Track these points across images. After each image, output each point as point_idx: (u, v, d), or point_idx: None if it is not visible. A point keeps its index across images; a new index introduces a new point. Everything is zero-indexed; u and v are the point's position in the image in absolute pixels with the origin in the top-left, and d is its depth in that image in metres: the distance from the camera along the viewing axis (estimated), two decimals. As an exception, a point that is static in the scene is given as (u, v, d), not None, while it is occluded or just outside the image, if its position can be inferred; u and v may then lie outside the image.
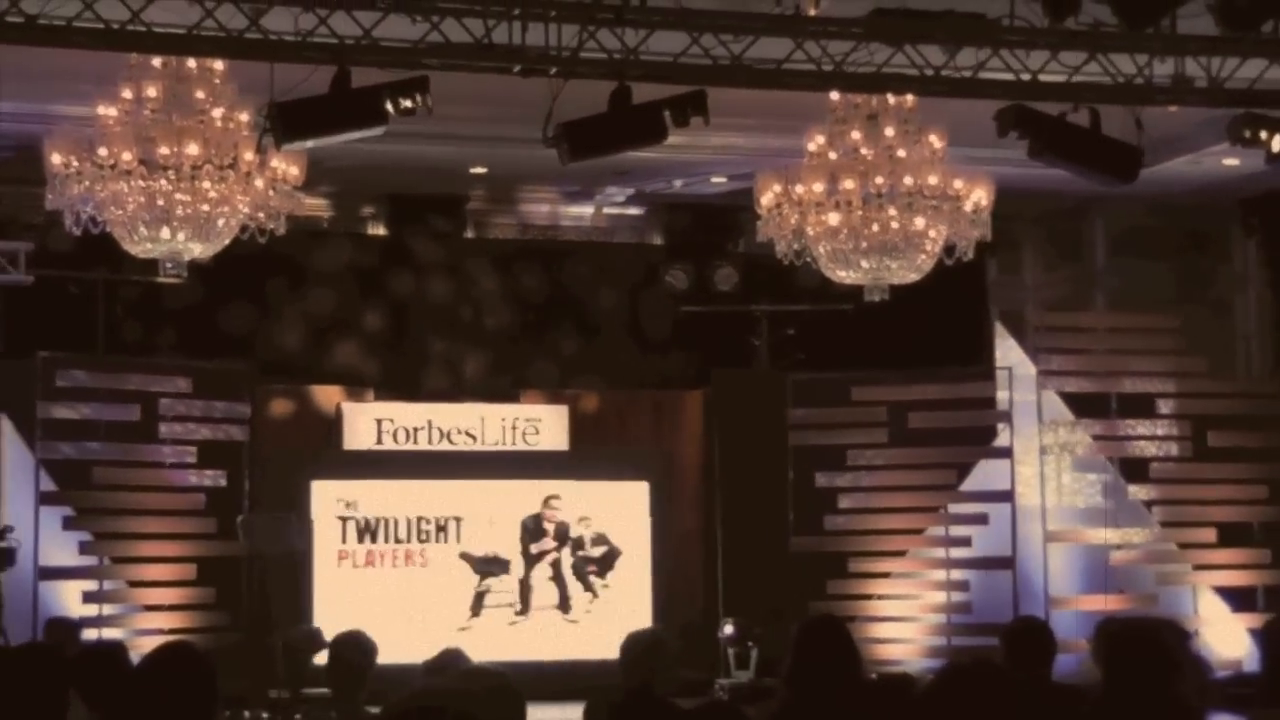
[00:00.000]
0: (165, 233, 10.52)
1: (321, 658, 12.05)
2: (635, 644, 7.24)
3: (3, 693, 4.84)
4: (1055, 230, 14.86)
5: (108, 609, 13.47)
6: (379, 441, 14.67)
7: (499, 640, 13.31)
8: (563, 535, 14.77)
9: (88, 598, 13.29)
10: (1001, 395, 14.64)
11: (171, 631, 13.13)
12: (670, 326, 15.14)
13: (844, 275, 11.66)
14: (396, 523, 14.47)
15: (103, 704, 6.26)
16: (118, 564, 13.74)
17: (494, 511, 14.63)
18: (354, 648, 6.79)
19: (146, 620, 13.52)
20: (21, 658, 5.27)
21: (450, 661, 6.65)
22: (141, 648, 10.34)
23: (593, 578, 14.80)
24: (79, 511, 13.44)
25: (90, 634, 12.96)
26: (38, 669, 4.99)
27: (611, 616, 14.58)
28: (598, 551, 14.83)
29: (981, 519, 14.50)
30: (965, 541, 14.51)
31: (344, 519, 14.36)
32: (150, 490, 13.86)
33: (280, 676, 12.49)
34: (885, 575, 14.72)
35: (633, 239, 15.53)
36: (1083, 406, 14.72)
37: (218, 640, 12.77)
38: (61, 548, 13.33)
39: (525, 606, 14.64)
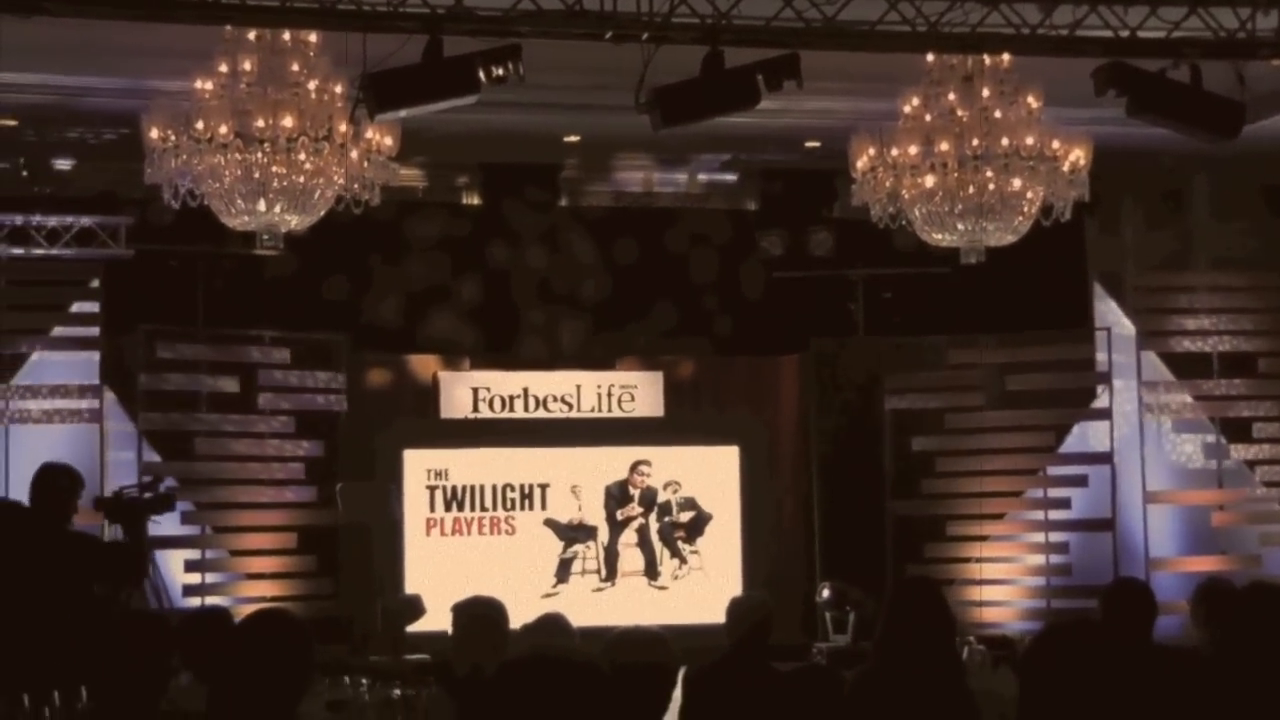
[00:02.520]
0: (262, 205, 10.59)
1: (419, 624, 12.37)
2: (743, 607, 7.35)
3: (112, 657, 4.94)
4: (1155, 189, 14.68)
5: (210, 577, 13.66)
6: (475, 410, 14.77)
7: (585, 607, 13.39)
8: (649, 501, 14.80)
9: (190, 566, 13.48)
10: (1101, 357, 14.53)
11: (273, 599, 13.31)
12: (766, 292, 15.12)
13: (940, 238, 11.58)
14: (483, 490, 14.55)
15: (204, 668, 6.38)
16: (219, 533, 13.92)
17: (582, 478, 14.69)
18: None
19: (249, 588, 13.69)
20: (129, 623, 5.37)
21: (551, 625, 6.70)
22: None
23: (681, 543, 14.82)
24: (181, 482, 13.58)
25: (194, 601, 13.22)
26: (144, 633, 5.08)
27: (701, 582, 14.65)
28: (685, 517, 14.84)
29: (1081, 481, 14.41)
30: (1065, 503, 14.43)
31: (432, 488, 14.47)
32: (250, 460, 14.04)
33: (380, 643, 12.66)
34: (984, 538, 14.65)
35: (727, 205, 15.48)
36: (1183, 367, 14.59)
37: (319, 608, 12.95)
38: (164, 517, 13.47)
39: (611, 573, 14.69)
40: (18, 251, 13.44)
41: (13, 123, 12.92)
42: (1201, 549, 14.28)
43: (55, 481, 9.57)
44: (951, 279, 13.12)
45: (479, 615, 6.56)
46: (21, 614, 8.76)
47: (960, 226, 11.38)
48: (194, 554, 13.60)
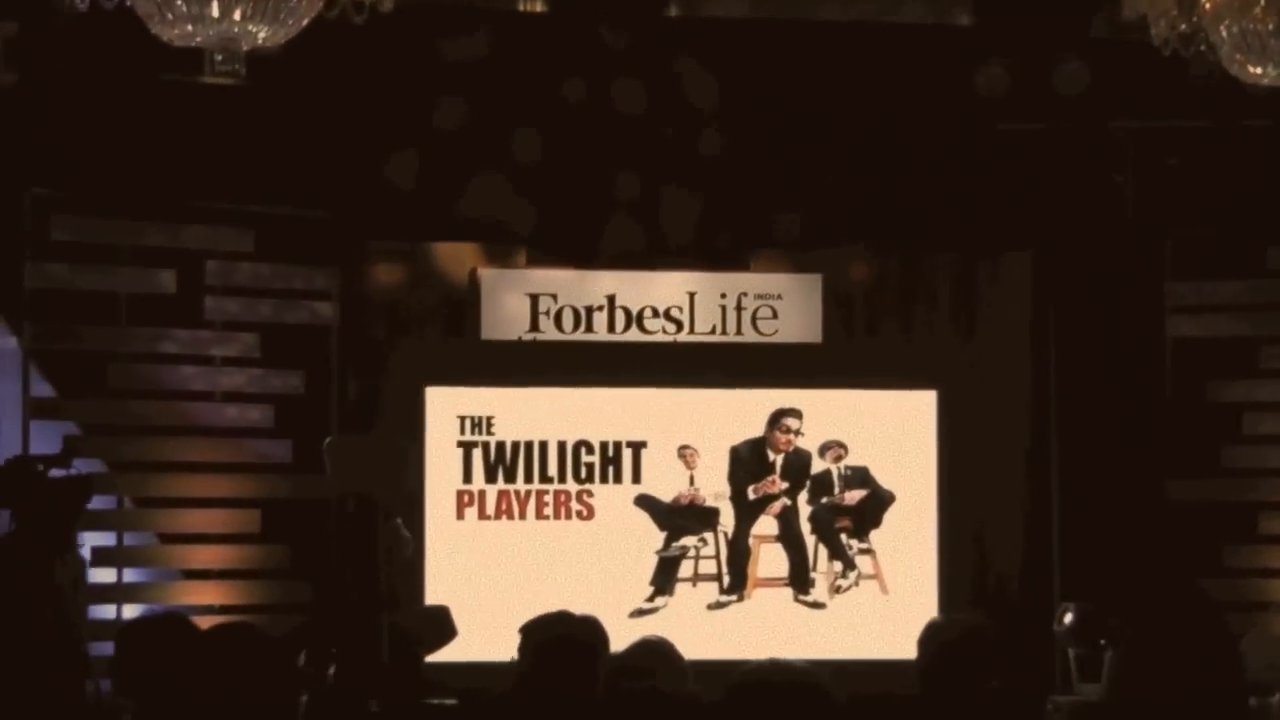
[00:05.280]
0: (214, 9, 10.59)
1: (445, 652, 12.41)
2: (940, 637, 7.32)
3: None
4: None
5: (130, 575, 13.77)
6: (534, 328, 14.81)
7: (697, 630, 13.44)
8: (799, 472, 14.86)
9: (100, 558, 13.55)
10: None
11: (224, 610, 13.40)
12: (983, 154, 14.99)
13: (1258, 73, 11.44)
14: (545, 451, 14.65)
15: (139, 693, 6.46)
16: (144, 509, 14.06)
17: (695, 435, 14.78)
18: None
19: (187, 593, 13.81)
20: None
21: (650, 657, 6.70)
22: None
23: (846, 538, 14.88)
24: (86, 429, 13.69)
25: (107, 611, 13.31)
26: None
27: (874, 597, 14.72)
28: (854, 497, 14.91)
29: None
30: None
31: (467, 445, 14.51)
32: (193, 399, 14.12)
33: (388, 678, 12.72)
34: (1317, 541, 14.61)
35: (928, 18, 15.35)
36: None
37: (292, 624, 13.01)
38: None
39: (739, 580, 14.77)
40: None
41: None
42: None
43: None
44: (1274, 139, 12.94)
45: (565, 639, 6.59)
46: None
47: (1291, 55, 11.24)
48: (106, 539, 13.68)
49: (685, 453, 14.71)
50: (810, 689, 5.58)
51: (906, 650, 7.59)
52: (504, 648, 7.58)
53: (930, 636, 7.52)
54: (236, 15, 10.58)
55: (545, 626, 6.69)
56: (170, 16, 10.66)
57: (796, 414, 14.80)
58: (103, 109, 13.66)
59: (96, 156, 13.67)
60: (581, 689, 6.40)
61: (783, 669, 5.70)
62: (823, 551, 14.82)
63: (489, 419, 14.55)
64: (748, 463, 14.76)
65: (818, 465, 14.81)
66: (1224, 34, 11.23)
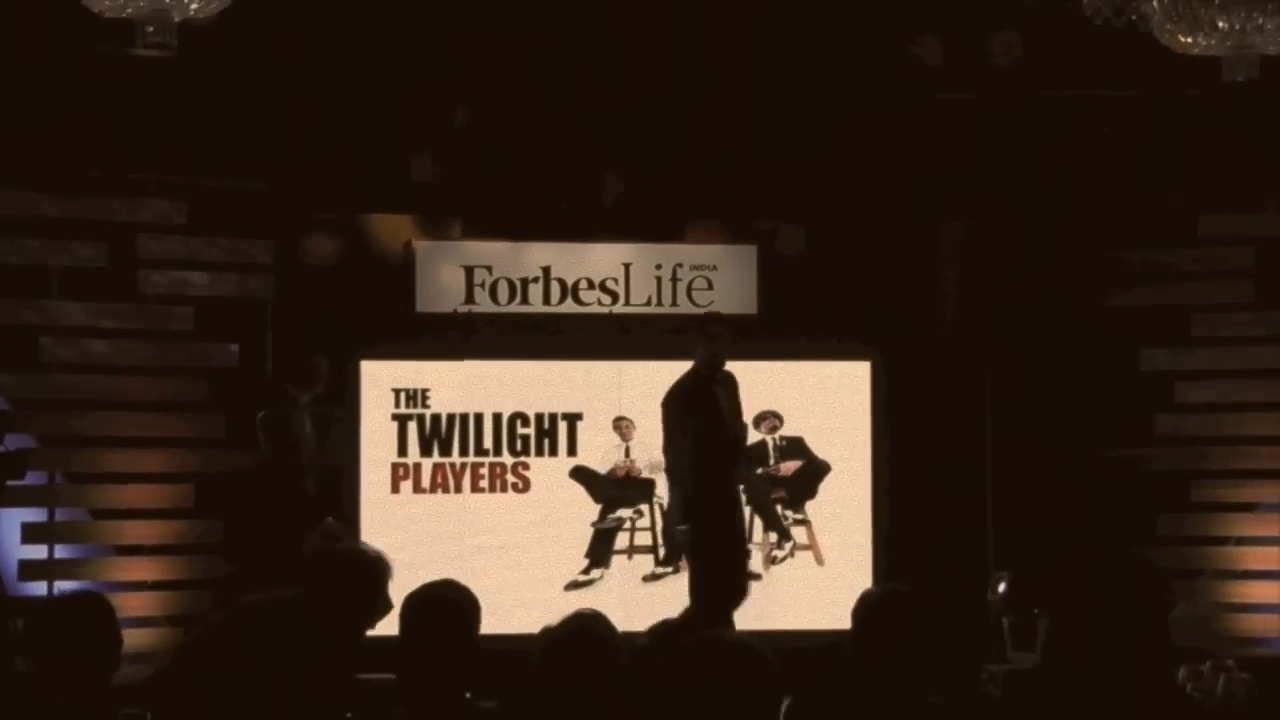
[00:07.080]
0: (147, -21, 10.52)
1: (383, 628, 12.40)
2: (874, 607, 7.33)
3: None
4: None
5: (62, 551, 13.70)
6: (469, 300, 14.79)
7: (633, 602, 13.41)
8: (733, 443, 14.84)
9: (30, 535, 13.50)
10: None
11: (157, 585, 13.37)
12: (917, 123, 14.98)
13: (1189, 42, 11.45)
14: (481, 423, 14.65)
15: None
16: (76, 484, 14.01)
17: (632, 407, 14.77)
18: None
19: (121, 569, 13.76)
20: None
21: (583, 629, 6.68)
22: (121, 607, 10.41)
23: (781, 509, 14.92)
24: (16, 403, 13.61)
25: (38, 587, 13.25)
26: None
27: (808, 568, 14.78)
28: (789, 468, 14.97)
29: (1401, 424, 14.37)
30: (1374, 460, 14.41)
31: (402, 418, 14.51)
32: (126, 373, 14.06)
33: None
34: (1249, 508, 14.68)
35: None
36: None
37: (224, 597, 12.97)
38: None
39: (675, 552, 14.74)
40: None
41: None
42: None
43: None
44: (1206, 106, 12.95)
45: (436, 602, 6.60)
46: None
47: (1223, 24, 11.23)
48: (37, 515, 13.63)
49: (621, 424, 14.73)
50: (748, 655, 5.57)
51: (841, 621, 7.58)
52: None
53: (864, 606, 7.51)
54: (169, -15, 10.52)
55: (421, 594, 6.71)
56: (103, -13, 10.60)
57: (732, 385, 14.82)
58: (33, 81, 13.59)
59: (27, 129, 13.60)
60: (456, 647, 6.41)
61: (718, 638, 5.70)
62: (758, 523, 14.83)
63: (424, 392, 14.55)
64: (684, 435, 14.79)
65: (753, 436, 14.79)
66: (1155, 3, 11.24)
